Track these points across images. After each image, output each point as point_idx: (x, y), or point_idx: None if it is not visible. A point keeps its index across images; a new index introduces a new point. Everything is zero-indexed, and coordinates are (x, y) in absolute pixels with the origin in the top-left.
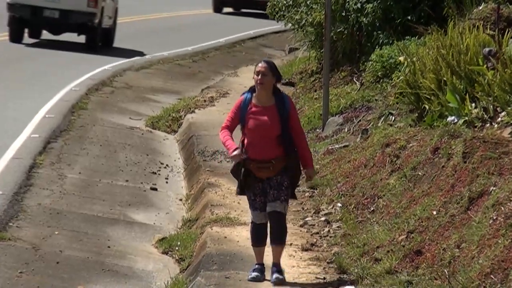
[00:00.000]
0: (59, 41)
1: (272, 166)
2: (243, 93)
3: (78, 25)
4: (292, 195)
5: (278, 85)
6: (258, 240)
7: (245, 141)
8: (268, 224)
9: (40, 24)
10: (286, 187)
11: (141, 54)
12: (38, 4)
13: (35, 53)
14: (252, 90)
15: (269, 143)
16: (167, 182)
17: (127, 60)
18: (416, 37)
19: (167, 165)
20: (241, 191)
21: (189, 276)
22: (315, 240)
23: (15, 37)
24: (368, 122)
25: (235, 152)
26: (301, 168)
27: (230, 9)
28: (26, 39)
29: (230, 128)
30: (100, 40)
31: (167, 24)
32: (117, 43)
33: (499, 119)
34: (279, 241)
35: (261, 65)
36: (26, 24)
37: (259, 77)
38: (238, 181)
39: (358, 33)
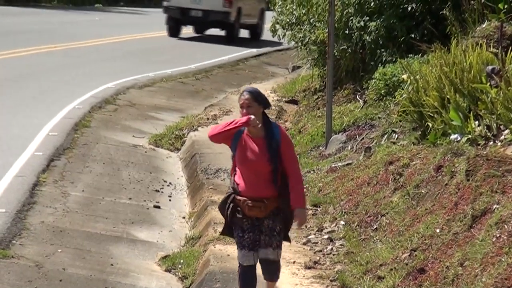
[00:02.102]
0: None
1: (264, 206)
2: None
3: (217, 22)
4: (285, 238)
5: (282, 103)
6: (246, 286)
7: (236, 174)
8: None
9: (188, 22)
10: (278, 233)
11: (278, 44)
12: (185, 6)
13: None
14: None
15: (261, 180)
16: (170, 200)
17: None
18: (419, 55)
19: (170, 183)
20: (227, 230)
21: None
22: (318, 258)
23: (172, 33)
24: (371, 140)
25: (244, 118)
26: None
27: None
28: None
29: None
30: (250, 34)
31: (170, 42)
32: (118, 61)
33: (503, 137)
34: (273, 277)
35: (243, 97)
36: (178, 23)
37: (244, 110)
38: (225, 219)
39: (361, 51)
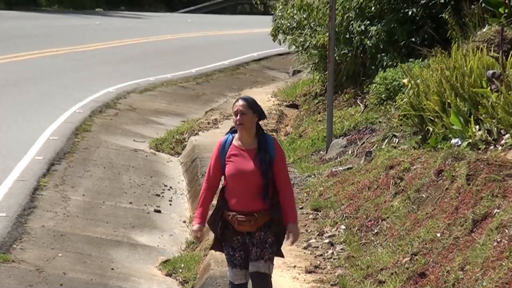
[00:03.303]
0: None
1: (254, 220)
2: (225, 134)
3: None
4: (278, 252)
5: (282, 107)
6: None
7: (226, 187)
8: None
9: None
10: (270, 245)
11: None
12: None
13: None
14: (233, 130)
15: (252, 193)
16: (170, 204)
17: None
18: (420, 60)
19: (170, 187)
20: (217, 246)
21: None
22: (318, 262)
23: None
24: (372, 144)
25: (194, 227)
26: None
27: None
28: None
29: (211, 184)
30: None
31: (171, 46)
32: (119, 65)
33: (503, 141)
34: None
35: (238, 104)
36: None
37: (238, 117)
38: (215, 235)
39: (362, 55)
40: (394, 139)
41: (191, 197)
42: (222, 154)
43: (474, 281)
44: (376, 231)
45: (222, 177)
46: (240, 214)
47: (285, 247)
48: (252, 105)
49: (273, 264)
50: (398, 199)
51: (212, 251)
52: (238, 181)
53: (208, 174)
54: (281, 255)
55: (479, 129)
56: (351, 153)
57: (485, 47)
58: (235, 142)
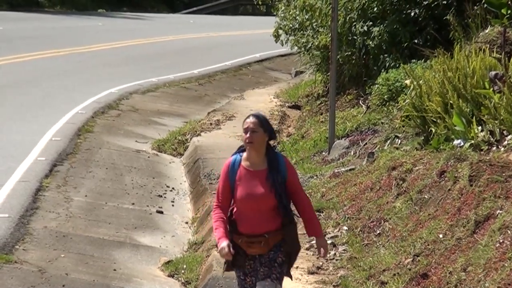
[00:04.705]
0: None
1: (265, 241)
2: (232, 154)
3: None
4: (287, 273)
5: (285, 108)
6: None
7: (234, 211)
8: None
9: None
10: (279, 264)
11: None
12: None
13: None
14: (241, 150)
15: (263, 216)
16: (173, 205)
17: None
18: (422, 61)
19: (173, 188)
20: (229, 268)
21: None
22: (321, 263)
23: None
24: (374, 145)
25: (223, 244)
26: (302, 241)
27: None
28: None
29: (223, 205)
30: None
31: (173, 47)
32: (121, 66)
33: (506, 142)
34: None
35: (249, 120)
36: None
37: (248, 134)
38: (226, 260)
39: (364, 56)
40: (397, 140)
41: (193, 198)
42: (231, 176)
43: (476, 282)
44: (378, 232)
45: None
46: (249, 237)
47: None
48: (263, 123)
49: (281, 286)
50: (400, 200)
51: (215, 252)
52: (248, 205)
53: (217, 196)
54: (290, 276)
55: (482, 130)
56: (354, 154)
57: (488, 48)
58: (244, 163)
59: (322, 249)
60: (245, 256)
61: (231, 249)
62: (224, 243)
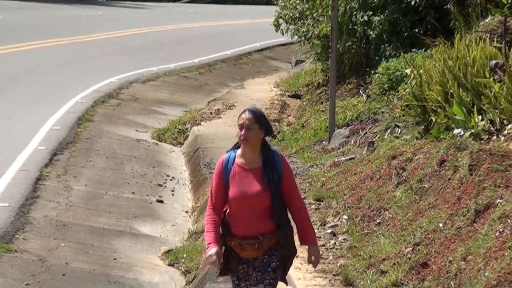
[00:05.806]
0: None
1: (259, 243)
2: (228, 151)
3: None
4: (282, 278)
5: (285, 98)
6: None
7: (227, 211)
8: None
9: None
10: (273, 269)
11: None
12: None
13: None
14: (237, 146)
15: (257, 216)
16: (173, 195)
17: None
18: (423, 50)
19: (173, 177)
20: (222, 272)
21: None
22: (321, 252)
23: None
24: (375, 134)
25: (211, 251)
26: (298, 246)
27: None
28: None
29: (217, 205)
30: None
31: (174, 36)
32: (121, 55)
33: (506, 131)
34: None
35: (244, 116)
36: None
37: (243, 131)
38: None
39: (365, 45)
40: (397, 129)
41: (193, 187)
42: (224, 173)
43: (476, 271)
44: (378, 221)
45: None
46: (243, 239)
47: None
48: (259, 119)
49: None
50: (400, 189)
51: None
52: (242, 205)
53: (211, 196)
54: (285, 282)
55: (482, 119)
56: (354, 143)
57: (488, 37)
58: (238, 160)
59: (313, 258)
60: (239, 259)
61: (221, 258)
62: (212, 250)
